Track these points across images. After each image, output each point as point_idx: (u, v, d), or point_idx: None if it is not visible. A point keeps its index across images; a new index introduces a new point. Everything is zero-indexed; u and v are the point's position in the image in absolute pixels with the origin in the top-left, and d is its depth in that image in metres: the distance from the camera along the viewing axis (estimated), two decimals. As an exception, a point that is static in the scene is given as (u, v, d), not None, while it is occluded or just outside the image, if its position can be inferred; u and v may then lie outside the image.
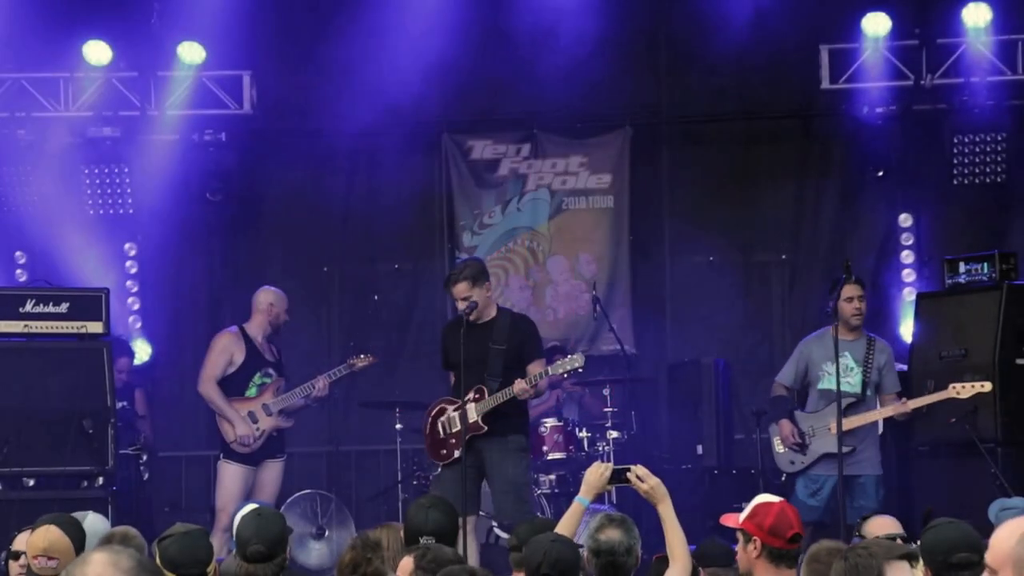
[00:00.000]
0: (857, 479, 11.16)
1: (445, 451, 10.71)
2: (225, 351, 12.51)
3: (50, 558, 6.03)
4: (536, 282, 14.95)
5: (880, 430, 11.67)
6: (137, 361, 14.15)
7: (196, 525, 6.28)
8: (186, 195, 14.74)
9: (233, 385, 12.49)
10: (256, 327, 12.61)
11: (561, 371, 10.55)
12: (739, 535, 6.43)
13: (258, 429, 12.44)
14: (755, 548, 6.30)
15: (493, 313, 10.68)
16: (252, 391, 12.50)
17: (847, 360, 11.26)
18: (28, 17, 13.85)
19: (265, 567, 6.13)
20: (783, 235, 15.03)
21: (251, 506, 7.16)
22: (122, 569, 3.54)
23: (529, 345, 10.61)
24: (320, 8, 14.57)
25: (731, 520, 6.60)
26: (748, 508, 6.44)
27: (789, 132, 15.10)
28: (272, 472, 12.60)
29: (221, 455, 12.51)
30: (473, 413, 10.47)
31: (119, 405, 12.41)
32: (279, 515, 6.52)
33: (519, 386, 10.34)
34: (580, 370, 10.60)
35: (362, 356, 12.87)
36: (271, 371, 12.59)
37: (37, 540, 6.66)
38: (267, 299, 12.69)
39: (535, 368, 10.51)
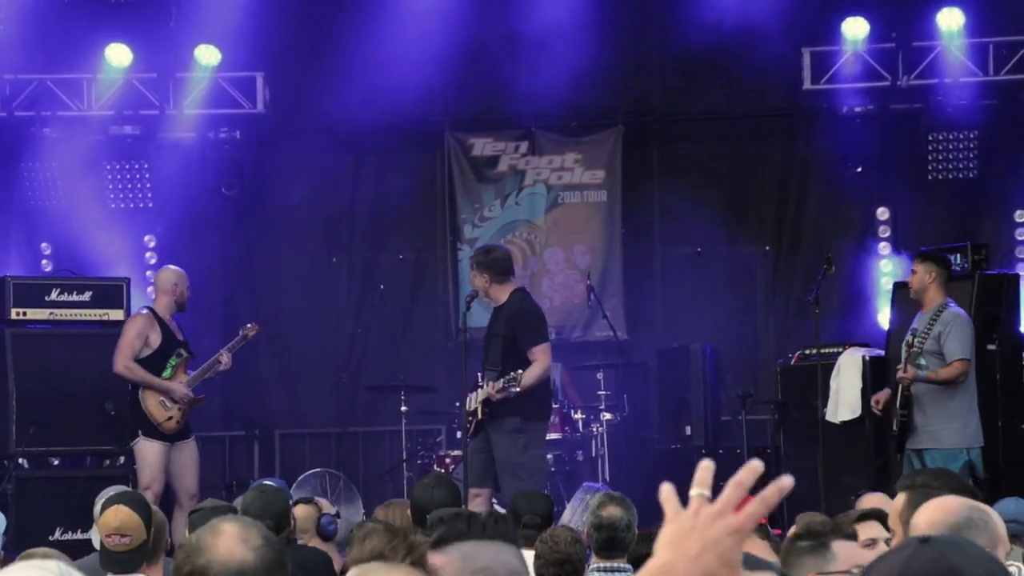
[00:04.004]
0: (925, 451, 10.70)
1: (470, 428, 10.71)
2: (141, 334, 11.71)
3: (123, 535, 6.06)
4: (533, 272, 14.95)
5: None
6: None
7: (224, 502, 6.33)
8: (202, 190, 14.74)
9: (150, 367, 11.71)
10: (163, 308, 11.84)
11: (497, 390, 10.27)
12: None
13: (179, 409, 11.74)
14: None
15: (503, 299, 10.62)
16: (168, 372, 11.77)
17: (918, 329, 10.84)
18: (53, 21, 13.86)
19: None
20: (767, 227, 15.03)
21: (266, 482, 7.18)
22: (252, 547, 3.49)
23: (523, 333, 10.44)
24: (329, 13, 14.56)
25: None
26: None
27: (773, 130, 15.08)
28: (189, 453, 11.81)
29: (140, 433, 11.61)
30: (473, 401, 10.48)
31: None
32: (281, 491, 6.58)
33: (490, 388, 10.30)
34: (515, 391, 10.24)
35: (250, 325, 12.21)
36: (181, 350, 11.90)
37: (109, 520, 6.69)
38: (170, 279, 11.90)
39: (534, 356, 10.43)
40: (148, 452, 11.61)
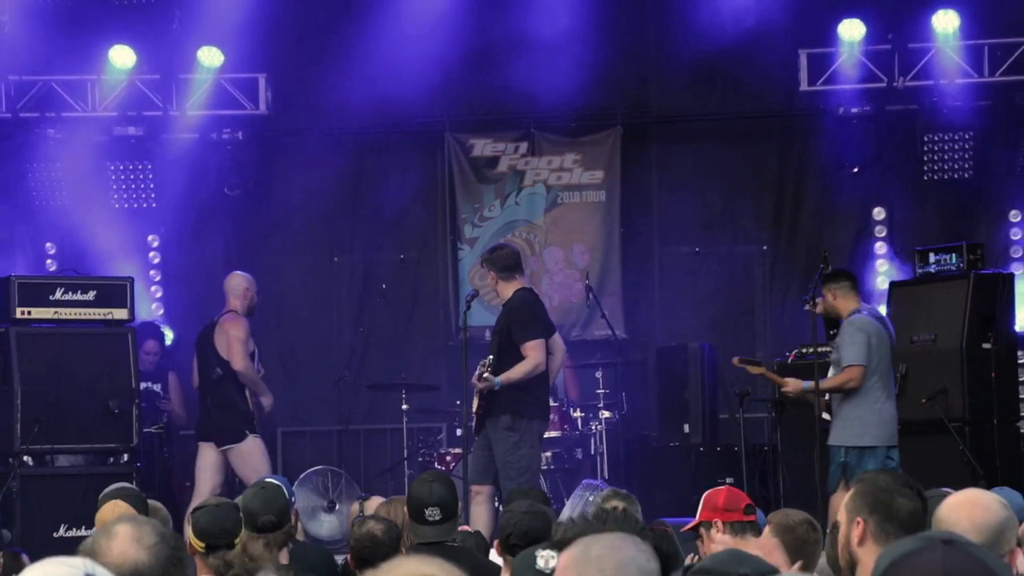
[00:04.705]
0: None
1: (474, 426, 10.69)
2: (248, 335, 12.20)
3: None
4: (533, 271, 14.93)
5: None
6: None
7: (227, 499, 6.32)
8: (205, 190, 14.74)
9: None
10: (242, 312, 12.24)
11: (477, 377, 10.34)
12: (701, 531, 6.36)
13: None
14: (717, 530, 6.25)
15: (508, 296, 10.63)
16: None
17: None
18: (57, 23, 13.85)
19: (276, 536, 6.16)
20: (764, 227, 15.03)
21: (267, 479, 7.18)
22: (145, 546, 3.47)
23: (516, 329, 10.45)
24: (330, 15, 14.58)
25: (691, 526, 6.53)
26: (701, 504, 6.40)
27: (770, 131, 15.08)
28: None
29: (248, 432, 12.12)
30: (476, 397, 10.48)
31: (145, 387, 12.41)
32: (280, 487, 6.58)
33: (473, 380, 10.32)
34: (489, 377, 10.31)
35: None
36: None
37: (106, 515, 6.67)
38: (242, 284, 12.28)
39: (526, 351, 10.41)
40: (260, 449, 12.17)
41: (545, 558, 4.22)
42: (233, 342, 12.10)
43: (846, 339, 10.71)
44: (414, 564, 2.86)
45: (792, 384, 10.94)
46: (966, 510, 4.14)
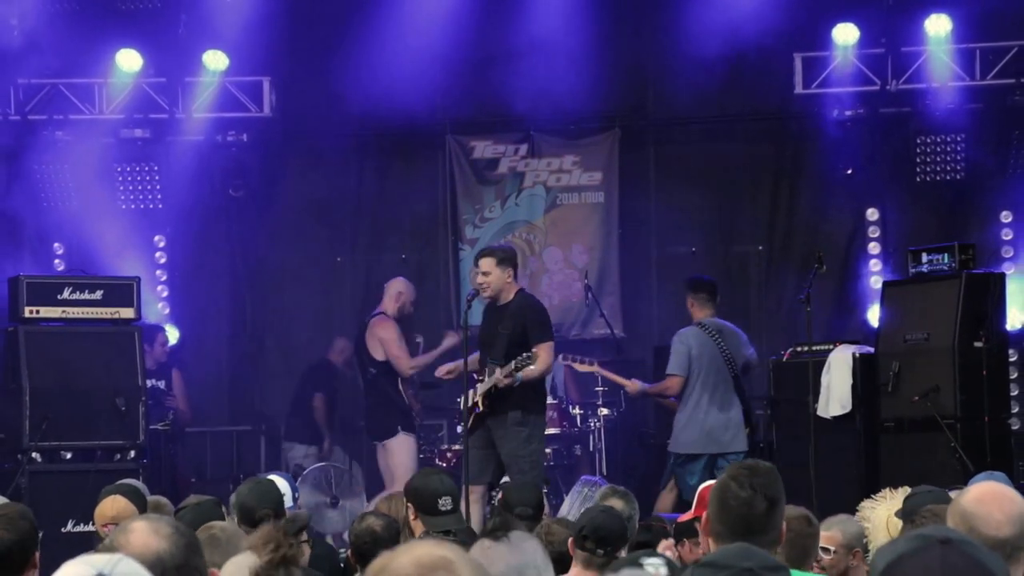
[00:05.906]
0: None
1: (470, 423, 10.70)
2: (401, 335, 12.58)
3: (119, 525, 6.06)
4: (533, 271, 14.94)
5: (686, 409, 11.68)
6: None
7: (209, 496, 6.34)
8: (210, 191, 14.75)
9: (392, 369, 12.57)
10: (392, 313, 12.65)
11: (506, 374, 10.36)
12: (696, 526, 6.37)
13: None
14: None
15: (510, 297, 10.63)
16: None
17: None
18: (65, 27, 13.85)
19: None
20: (760, 228, 15.04)
21: (271, 476, 7.18)
22: (163, 536, 3.51)
23: (531, 330, 10.47)
24: (334, 20, 14.56)
25: (685, 516, 6.55)
26: (695, 500, 6.41)
27: (766, 133, 15.09)
28: None
29: (400, 429, 12.49)
30: (473, 396, 10.47)
31: (150, 384, 12.41)
32: (274, 482, 6.59)
33: (497, 375, 10.33)
34: (530, 366, 10.35)
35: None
36: None
37: (105, 509, 6.67)
38: (397, 287, 12.76)
39: (539, 352, 10.43)
40: (411, 445, 12.49)
41: (655, 566, 4.16)
42: (388, 344, 12.51)
43: (671, 350, 11.57)
44: (427, 547, 2.86)
45: (631, 385, 11.85)
46: (997, 503, 4.12)
